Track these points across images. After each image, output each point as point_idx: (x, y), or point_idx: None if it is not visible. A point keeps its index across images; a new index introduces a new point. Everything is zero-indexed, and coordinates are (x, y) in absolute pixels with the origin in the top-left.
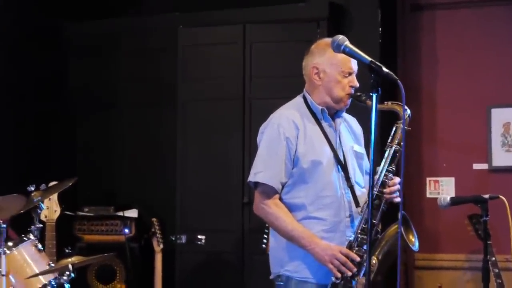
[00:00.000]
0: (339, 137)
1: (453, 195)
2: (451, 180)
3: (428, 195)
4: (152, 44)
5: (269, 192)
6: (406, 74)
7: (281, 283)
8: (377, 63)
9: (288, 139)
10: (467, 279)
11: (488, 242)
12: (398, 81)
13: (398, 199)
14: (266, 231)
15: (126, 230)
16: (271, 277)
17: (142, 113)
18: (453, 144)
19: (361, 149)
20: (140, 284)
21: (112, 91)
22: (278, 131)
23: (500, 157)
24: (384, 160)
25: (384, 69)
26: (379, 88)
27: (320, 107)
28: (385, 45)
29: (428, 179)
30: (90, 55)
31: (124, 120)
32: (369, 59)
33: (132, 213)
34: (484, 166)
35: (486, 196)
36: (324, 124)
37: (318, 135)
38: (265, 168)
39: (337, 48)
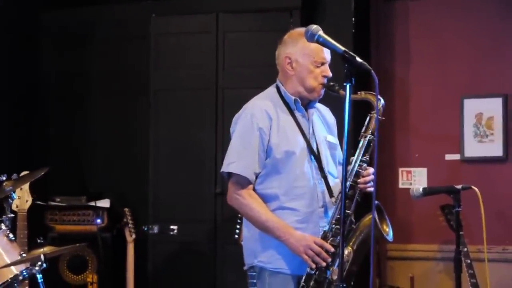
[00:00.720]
0: (312, 127)
1: (426, 186)
2: (424, 171)
3: (400, 186)
4: (125, 33)
5: (243, 182)
6: (380, 64)
7: (254, 273)
8: (350, 53)
9: (261, 129)
10: (439, 270)
11: (460, 232)
12: (372, 71)
13: (371, 189)
14: (238, 221)
15: (98, 220)
16: (245, 268)
17: (115, 102)
18: (426, 134)
19: (334, 139)
20: (112, 274)
21: (85, 79)
22: (251, 121)
23: (473, 148)
24: (358, 150)
25: (358, 59)
26: (353, 78)
27: (293, 97)
28: (358, 34)
29: (400, 169)
30: (63, 43)
31: (97, 109)
32: (343, 48)
33: (104, 203)
34: (457, 156)
35: (459, 186)
36: (297, 114)
37: (291, 125)
38: (238, 159)
39: (311, 37)
